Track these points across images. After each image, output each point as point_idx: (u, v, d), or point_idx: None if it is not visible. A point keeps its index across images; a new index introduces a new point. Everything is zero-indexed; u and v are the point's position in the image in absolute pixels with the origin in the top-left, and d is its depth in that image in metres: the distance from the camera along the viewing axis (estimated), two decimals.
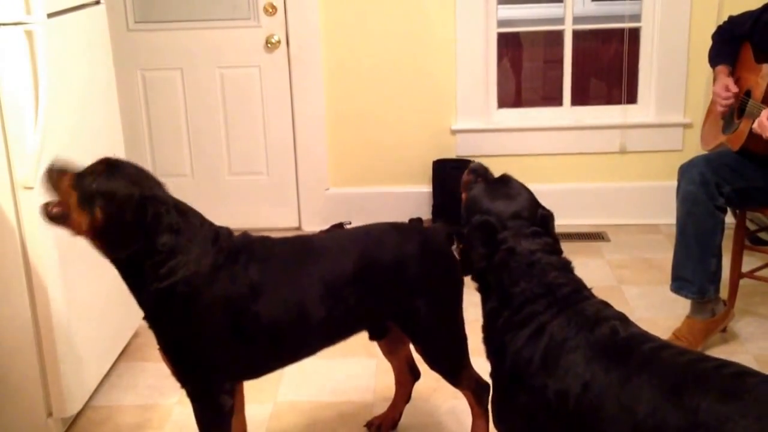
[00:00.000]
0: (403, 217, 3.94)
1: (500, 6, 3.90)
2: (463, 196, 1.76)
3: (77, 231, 1.79)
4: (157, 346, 1.89)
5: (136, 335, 2.95)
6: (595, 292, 1.63)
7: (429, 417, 2.49)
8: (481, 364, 1.67)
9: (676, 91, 3.84)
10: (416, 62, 3.85)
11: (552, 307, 1.54)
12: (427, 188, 3.94)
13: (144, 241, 1.76)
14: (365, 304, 1.98)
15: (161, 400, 2.62)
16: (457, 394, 2.60)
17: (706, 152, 2.98)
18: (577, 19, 3.92)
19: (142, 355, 2.88)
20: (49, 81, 2.22)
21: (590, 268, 3.37)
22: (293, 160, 3.96)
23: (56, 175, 1.79)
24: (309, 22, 3.79)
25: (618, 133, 3.90)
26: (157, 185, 1.87)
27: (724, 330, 2.88)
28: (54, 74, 2.27)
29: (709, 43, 3.03)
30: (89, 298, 2.53)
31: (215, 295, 1.82)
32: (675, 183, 2.80)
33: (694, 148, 3.55)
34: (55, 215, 1.79)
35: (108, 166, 1.82)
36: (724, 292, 2.87)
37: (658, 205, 3.80)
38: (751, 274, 2.96)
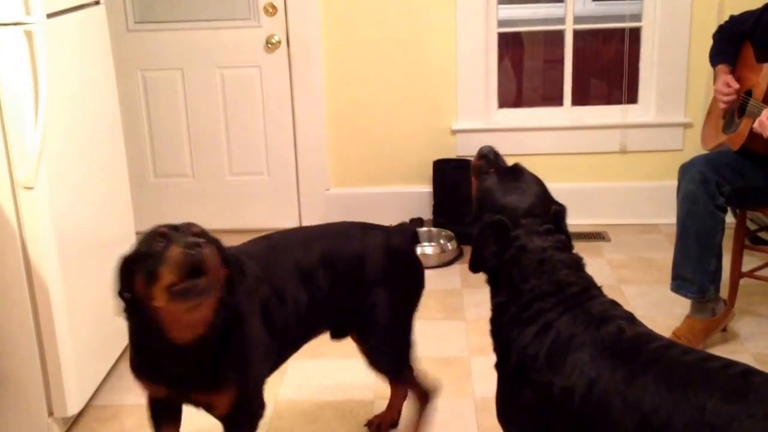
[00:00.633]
0: (403, 217, 3.94)
1: (501, 6, 3.91)
2: (474, 182, 1.76)
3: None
4: (198, 399, 1.81)
5: None
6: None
7: (429, 416, 2.49)
8: (483, 362, 1.67)
9: (677, 91, 3.84)
10: (417, 62, 3.85)
11: (560, 304, 1.54)
12: (427, 188, 3.94)
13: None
14: (332, 294, 2.02)
15: None
16: (458, 392, 2.60)
17: (706, 152, 2.98)
18: (577, 19, 3.92)
19: None
20: (49, 81, 2.22)
21: (590, 268, 3.31)
22: (294, 160, 3.97)
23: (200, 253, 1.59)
24: (309, 22, 3.79)
25: (618, 133, 3.90)
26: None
27: (724, 329, 2.87)
28: (54, 74, 2.28)
29: (709, 42, 3.03)
30: (90, 298, 2.53)
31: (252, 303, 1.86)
32: (675, 183, 2.80)
33: (694, 147, 3.55)
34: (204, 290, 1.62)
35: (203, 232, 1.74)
36: (724, 292, 2.86)
37: (659, 205, 3.80)
38: (751, 274, 2.96)
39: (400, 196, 3.96)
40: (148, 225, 4.18)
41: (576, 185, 3.93)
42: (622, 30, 3.97)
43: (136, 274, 1.62)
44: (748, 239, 3.08)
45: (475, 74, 3.84)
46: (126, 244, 2.86)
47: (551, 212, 1.64)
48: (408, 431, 2.31)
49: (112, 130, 2.82)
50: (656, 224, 3.87)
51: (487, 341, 1.69)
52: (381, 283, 2.06)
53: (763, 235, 3.45)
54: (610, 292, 1.66)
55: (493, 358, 1.67)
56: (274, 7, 3.77)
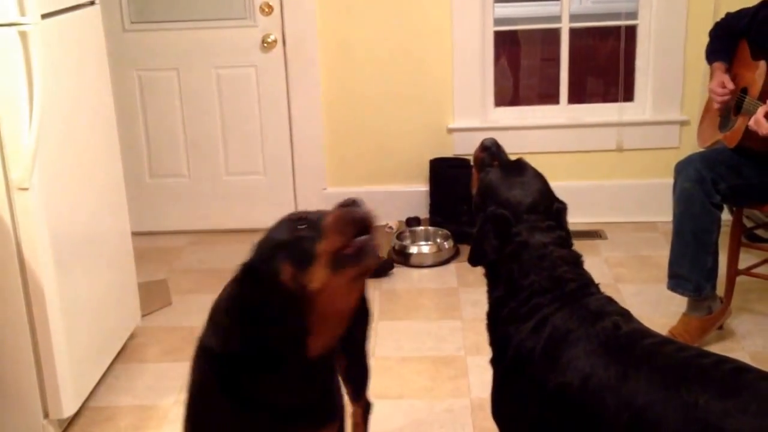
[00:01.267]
0: (400, 216, 3.94)
1: (497, 4, 3.90)
2: (475, 174, 1.76)
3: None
4: None
5: (132, 336, 2.95)
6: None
7: (426, 415, 2.49)
8: (480, 362, 1.67)
9: (673, 89, 3.84)
10: (413, 61, 3.85)
11: (557, 300, 1.54)
12: (424, 187, 3.93)
13: None
14: None
15: (158, 401, 2.61)
16: (454, 391, 2.60)
17: (702, 150, 2.98)
18: (573, 17, 3.91)
19: (139, 356, 2.88)
20: (44, 82, 2.21)
21: (587, 266, 3.33)
22: (290, 159, 3.96)
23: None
24: (305, 21, 3.78)
25: (615, 131, 3.90)
26: None
27: (720, 327, 2.87)
28: (49, 75, 2.27)
29: (705, 40, 3.03)
30: (85, 300, 2.53)
31: None
32: (672, 180, 2.80)
33: (690, 145, 3.55)
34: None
35: None
36: (720, 290, 2.86)
37: (655, 203, 3.80)
38: (747, 272, 2.96)
39: (397, 195, 3.96)
40: (144, 226, 4.17)
41: (573, 183, 3.92)
42: (618, 28, 3.96)
43: (281, 265, 1.37)
44: (744, 236, 3.08)
45: (471, 73, 3.84)
46: (122, 244, 2.89)
47: (553, 209, 1.64)
48: None
49: (107, 130, 2.82)
50: (653, 222, 3.86)
51: (484, 340, 1.69)
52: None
53: (759, 232, 3.46)
54: (606, 291, 1.66)
55: (489, 355, 1.67)
56: (270, 6, 3.76)
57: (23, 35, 2.17)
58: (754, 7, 2.87)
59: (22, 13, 2.17)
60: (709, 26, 3.05)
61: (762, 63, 2.67)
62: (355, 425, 2.14)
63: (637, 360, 1.42)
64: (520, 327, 1.55)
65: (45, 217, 2.29)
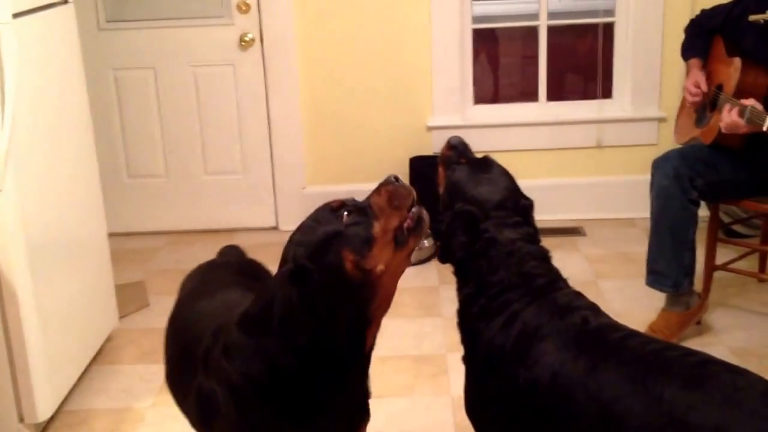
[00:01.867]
0: None
1: (475, 2, 3.90)
2: (441, 173, 1.75)
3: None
4: None
5: (109, 339, 2.92)
6: (572, 286, 1.63)
7: (407, 413, 2.48)
8: (460, 359, 1.67)
9: (651, 86, 3.85)
10: (392, 59, 3.84)
11: (527, 296, 1.55)
12: None
13: None
14: None
15: (134, 403, 2.58)
16: (435, 389, 2.60)
17: (679, 146, 3.00)
18: (552, 15, 3.92)
19: (115, 359, 2.85)
20: (16, 81, 2.18)
21: (567, 263, 3.31)
22: (269, 159, 3.94)
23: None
24: (283, 19, 3.76)
25: (594, 128, 3.91)
26: None
27: (698, 322, 2.89)
28: (21, 75, 2.23)
29: (682, 36, 3.05)
30: (61, 302, 2.50)
31: None
32: (650, 177, 2.81)
33: (668, 142, 3.56)
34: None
35: None
36: (698, 285, 2.88)
37: (635, 199, 3.81)
38: (725, 267, 2.98)
39: None
40: (122, 226, 4.12)
41: (552, 180, 3.94)
42: (597, 25, 3.98)
43: (342, 255, 1.31)
44: (722, 232, 3.10)
45: (450, 70, 3.83)
46: (99, 245, 2.86)
47: (520, 206, 1.65)
48: None
49: (82, 130, 2.78)
50: (632, 218, 3.88)
51: None
52: None
53: (737, 227, 3.48)
54: (587, 287, 1.67)
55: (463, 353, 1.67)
56: (247, 4, 3.74)
57: None
58: (729, 3, 2.89)
59: None
60: (686, 23, 3.07)
61: (737, 59, 2.69)
62: None
63: (605, 354, 1.43)
64: (490, 323, 1.55)
65: (19, 219, 2.26)
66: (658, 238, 2.75)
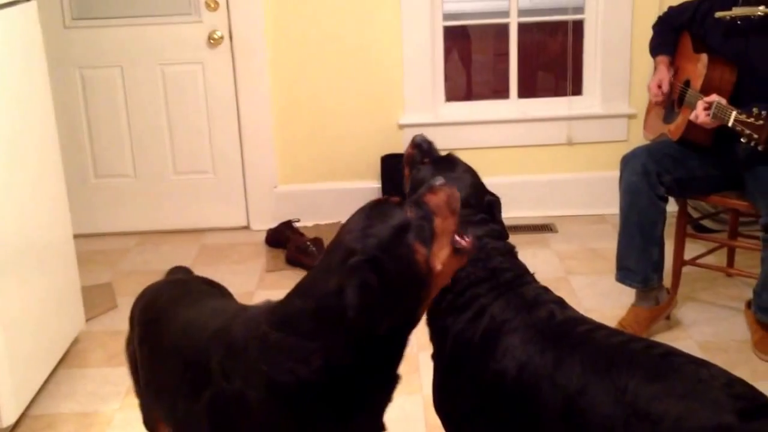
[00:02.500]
0: (352, 212, 3.90)
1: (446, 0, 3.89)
2: (406, 172, 1.75)
3: None
4: None
5: (76, 341, 2.88)
6: (543, 283, 1.65)
7: None
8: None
9: (621, 82, 3.88)
10: (363, 57, 3.82)
11: (494, 290, 1.56)
12: (376, 184, 3.91)
13: None
14: None
15: (102, 407, 2.54)
16: (405, 388, 2.58)
17: (648, 142, 3.02)
18: (522, 12, 3.93)
19: (82, 362, 2.81)
20: None
21: (538, 259, 3.39)
22: (240, 158, 3.90)
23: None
24: (253, 16, 3.73)
25: (565, 125, 3.92)
26: None
27: (668, 317, 2.91)
28: None
29: (651, 33, 3.06)
30: (25, 305, 2.45)
31: None
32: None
33: (638, 138, 3.58)
34: None
35: None
36: (667, 280, 2.90)
37: (605, 196, 3.82)
38: (693, 262, 3.01)
39: (349, 192, 3.92)
40: (89, 227, 4.06)
41: (524, 177, 3.95)
42: (566, 22, 3.99)
43: (414, 246, 1.30)
44: (691, 227, 3.13)
45: (421, 68, 3.83)
46: (64, 247, 2.81)
47: (485, 202, 1.65)
48: None
49: (45, 130, 2.73)
50: (603, 215, 3.90)
51: None
52: None
53: (705, 222, 3.51)
54: (557, 284, 1.67)
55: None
56: (215, 1, 3.70)
57: None
58: (696, 0, 2.91)
59: None
60: (655, 20, 3.09)
61: (704, 56, 2.71)
62: None
63: (571, 347, 1.44)
64: (458, 317, 1.56)
65: None
66: (627, 234, 2.77)
